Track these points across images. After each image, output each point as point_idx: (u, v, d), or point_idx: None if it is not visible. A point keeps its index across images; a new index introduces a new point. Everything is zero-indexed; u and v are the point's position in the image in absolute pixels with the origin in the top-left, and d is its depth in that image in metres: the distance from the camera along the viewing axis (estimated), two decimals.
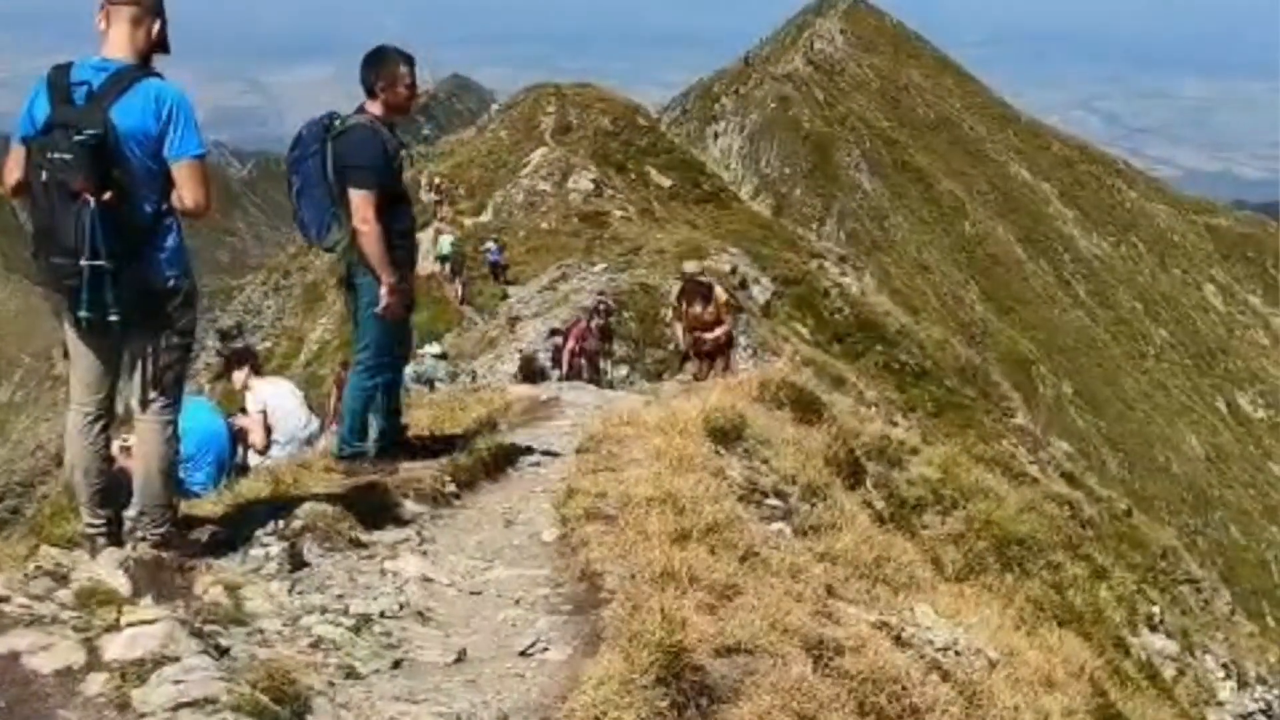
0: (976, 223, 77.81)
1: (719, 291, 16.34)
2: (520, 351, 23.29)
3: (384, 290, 6.91)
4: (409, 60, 7.04)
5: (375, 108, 6.99)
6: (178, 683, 3.77)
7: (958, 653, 5.48)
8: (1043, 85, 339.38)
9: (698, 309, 15.71)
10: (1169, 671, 12.27)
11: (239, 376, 10.55)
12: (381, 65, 6.99)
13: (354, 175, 6.84)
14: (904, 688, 4.56)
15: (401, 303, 7.05)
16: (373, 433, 7.45)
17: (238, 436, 9.95)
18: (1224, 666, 14.40)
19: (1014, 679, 5.65)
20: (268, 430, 10.14)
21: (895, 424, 18.84)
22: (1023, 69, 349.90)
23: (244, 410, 10.36)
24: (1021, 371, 64.27)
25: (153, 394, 5.21)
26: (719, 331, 15.87)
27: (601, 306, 19.64)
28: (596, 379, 18.07)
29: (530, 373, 18.91)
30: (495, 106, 66.64)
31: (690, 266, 16.97)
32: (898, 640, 5.21)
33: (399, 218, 7.04)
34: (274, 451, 10.02)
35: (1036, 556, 11.13)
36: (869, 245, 70.11)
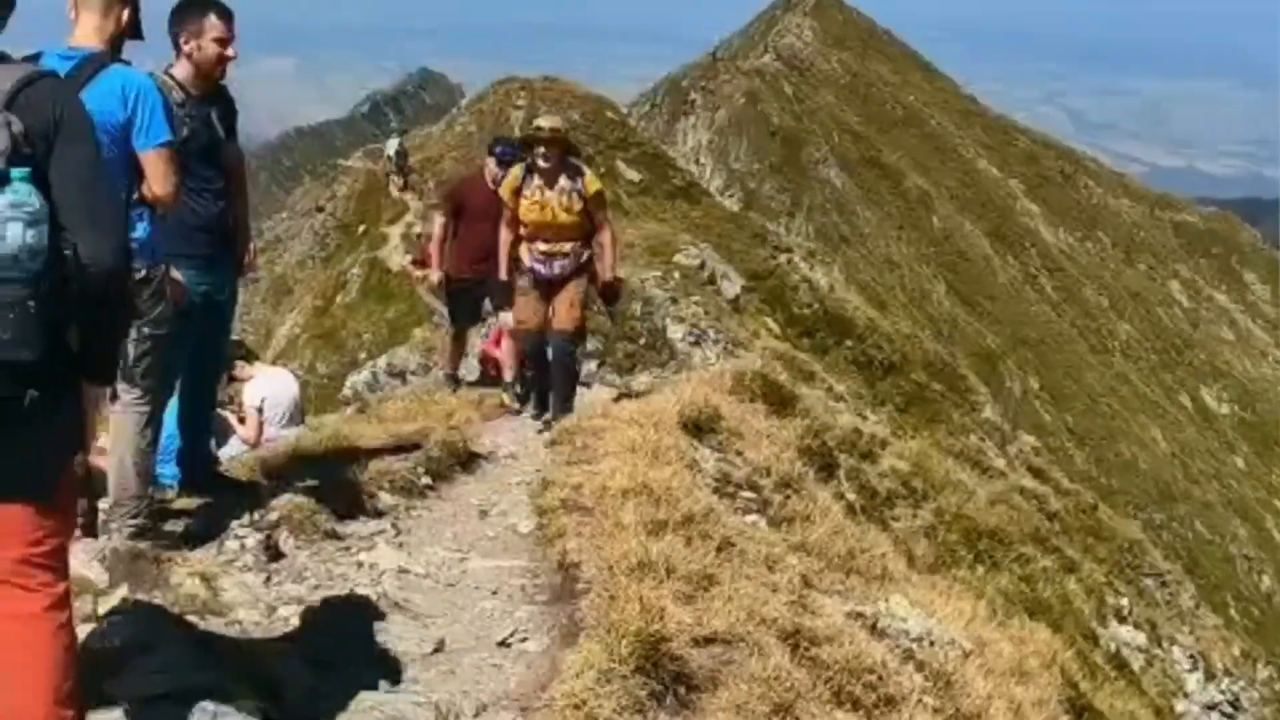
0: (944, 218, 78.12)
1: (590, 177, 9.30)
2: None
3: None
4: (224, 12, 5.75)
5: (180, 68, 5.75)
6: (155, 673, 3.76)
7: (932, 643, 5.51)
8: (1007, 81, 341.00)
9: (541, 188, 9.01)
10: (1137, 663, 12.37)
11: (240, 369, 10.44)
12: (185, 14, 5.71)
13: None
14: (880, 677, 4.59)
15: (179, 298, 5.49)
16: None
17: (222, 429, 9.86)
18: (1191, 658, 14.51)
19: (987, 669, 5.69)
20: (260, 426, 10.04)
21: (865, 418, 18.85)
22: (988, 65, 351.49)
23: (232, 400, 10.22)
24: (989, 366, 64.55)
25: (124, 386, 5.17)
26: (577, 245, 9.15)
27: None
28: None
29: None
30: (464, 100, 66.35)
31: (545, 121, 9.44)
32: (873, 630, 5.24)
33: (197, 201, 5.73)
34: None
35: (1006, 549, 11.21)
36: (837, 240, 70.26)
